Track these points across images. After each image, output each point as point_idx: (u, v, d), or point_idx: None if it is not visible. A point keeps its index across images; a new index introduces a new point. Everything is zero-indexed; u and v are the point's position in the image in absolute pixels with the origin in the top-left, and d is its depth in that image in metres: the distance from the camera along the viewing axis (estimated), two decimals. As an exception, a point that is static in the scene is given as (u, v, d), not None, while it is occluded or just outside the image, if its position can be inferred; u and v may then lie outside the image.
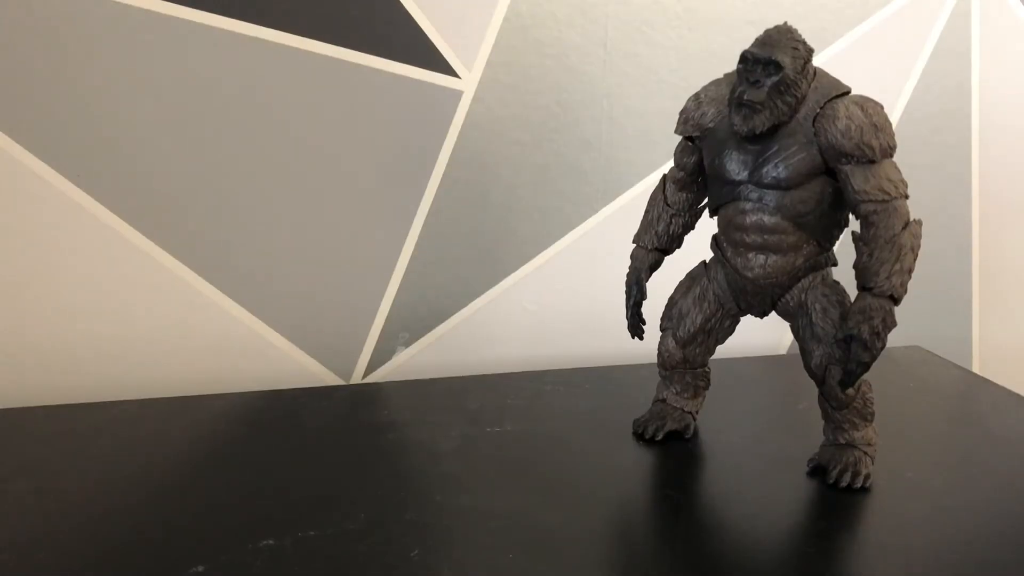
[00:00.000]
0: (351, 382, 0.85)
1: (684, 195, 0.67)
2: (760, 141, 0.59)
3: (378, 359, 0.85)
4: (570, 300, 0.90)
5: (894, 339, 0.60)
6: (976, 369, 1.05)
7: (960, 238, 1.01)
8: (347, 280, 0.82)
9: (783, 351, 0.97)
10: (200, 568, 0.50)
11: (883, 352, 0.58)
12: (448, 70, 0.80)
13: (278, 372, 0.82)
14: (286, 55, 0.75)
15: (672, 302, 0.68)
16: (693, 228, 0.68)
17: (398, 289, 0.84)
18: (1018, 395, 0.81)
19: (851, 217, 0.60)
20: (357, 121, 0.79)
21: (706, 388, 0.71)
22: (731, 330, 0.68)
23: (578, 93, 0.84)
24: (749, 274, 0.62)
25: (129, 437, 0.67)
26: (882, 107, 0.58)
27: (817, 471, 0.64)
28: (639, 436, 0.70)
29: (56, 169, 0.72)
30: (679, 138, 0.66)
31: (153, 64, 0.72)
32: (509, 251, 0.87)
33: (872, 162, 0.57)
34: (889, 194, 0.57)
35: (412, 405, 0.75)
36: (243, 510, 0.57)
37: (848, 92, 0.59)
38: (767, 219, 0.60)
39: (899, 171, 0.58)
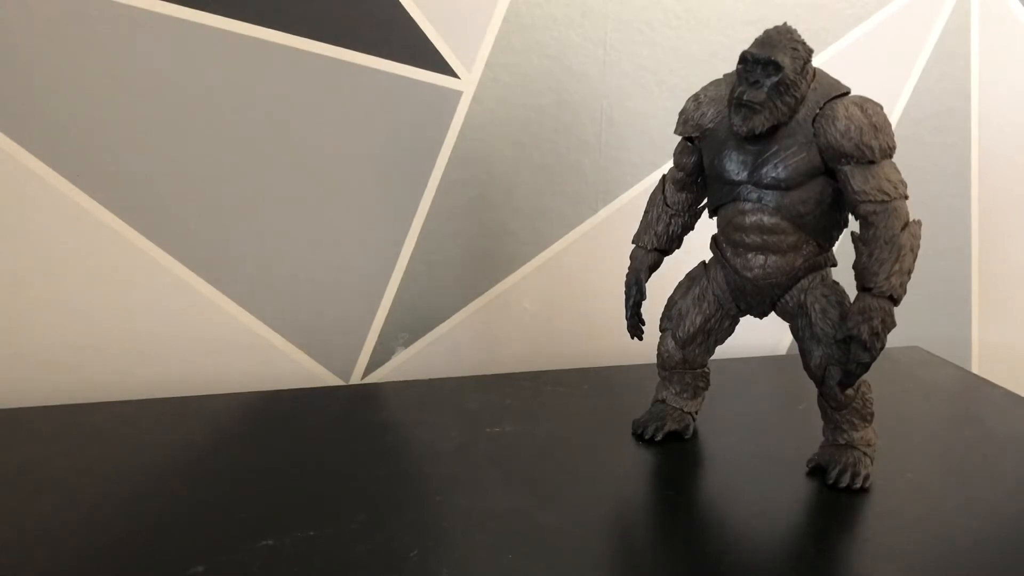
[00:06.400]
0: (351, 382, 0.85)
1: (684, 195, 0.67)
2: (759, 141, 0.59)
3: (378, 359, 0.85)
4: (570, 300, 0.90)
5: (893, 339, 0.60)
6: (975, 369, 1.05)
7: (960, 238, 1.01)
8: (347, 280, 0.82)
9: (782, 351, 0.97)
10: (200, 568, 0.50)
11: (882, 352, 0.58)
12: (448, 70, 0.80)
13: (278, 372, 0.82)
14: (286, 55, 0.75)
15: (672, 302, 0.68)
16: (692, 228, 0.68)
17: (398, 289, 0.84)
18: (1017, 395, 0.81)
19: (851, 217, 0.60)
20: (357, 121, 0.79)
21: (705, 388, 0.71)
22: (730, 330, 0.68)
23: (578, 93, 0.84)
24: (748, 274, 0.62)
25: (129, 437, 0.67)
26: (881, 108, 0.58)
27: (816, 471, 0.65)
28: (639, 436, 0.70)
29: (56, 169, 0.72)
30: (679, 138, 0.66)
31: (153, 64, 0.72)
32: (509, 251, 0.87)
33: (871, 163, 0.57)
34: (888, 195, 0.57)
35: (412, 405, 0.75)
36: (243, 510, 0.57)
37: (848, 93, 0.59)
38: (767, 219, 0.60)
39: (898, 172, 0.58)
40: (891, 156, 0.58)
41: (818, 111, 0.58)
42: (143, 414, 0.71)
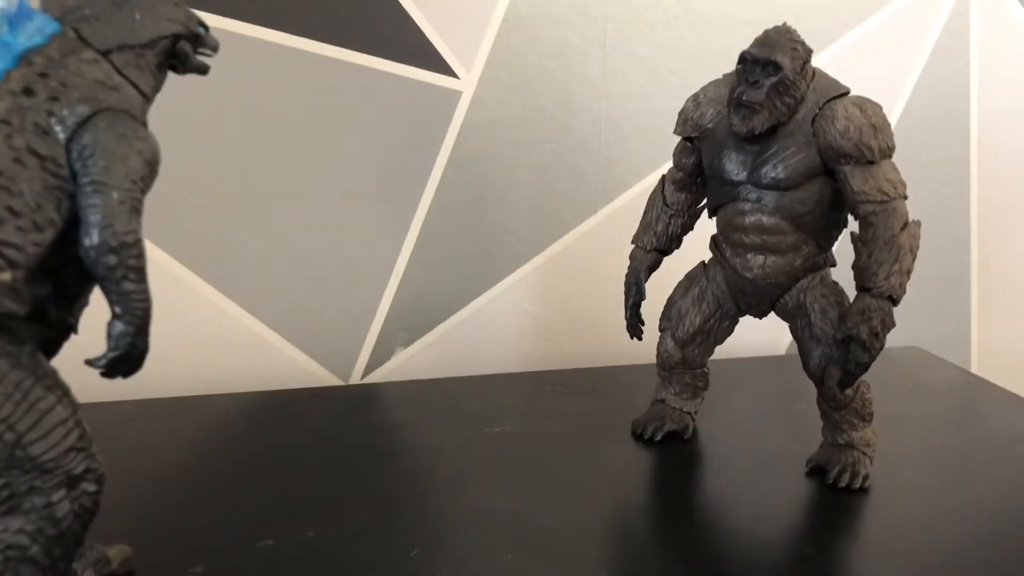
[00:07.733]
0: (350, 382, 0.85)
1: (683, 196, 0.67)
2: (759, 142, 0.59)
3: (377, 359, 0.85)
4: (570, 300, 0.90)
5: (893, 339, 0.60)
6: (974, 369, 1.05)
7: (959, 238, 1.01)
8: (346, 280, 0.82)
9: (782, 352, 0.97)
10: (200, 568, 0.50)
11: (882, 352, 0.58)
12: (447, 70, 0.80)
13: (277, 372, 0.82)
14: (286, 56, 0.75)
15: (671, 302, 0.68)
16: (692, 228, 0.68)
17: (397, 289, 0.84)
18: (1016, 395, 0.81)
19: (850, 217, 0.60)
20: (357, 122, 0.79)
21: (705, 388, 0.71)
22: (730, 330, 0.68)
23: (577, 93, 0.84)
24: (748, 274, 0.62)
25: (129, 437, 0.67)
26: (881, 108, 0.58)
27: (816, 471, 0.65)
28: (638, 436, 0.70)
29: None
30: (678, 138, 0.66)
31: (153, 64, 0.72)
32: (508, 251, 0.87)
33: (871, 163, 0.57)
34: (888, 195, 0.57)
35: (411, 405, 0.75)
36: (243, 510, 0.57)
37: (847, 93, 0.59)
38: (766, 219, 0.60)
39: (898, 172, 0.58)
40: (890, 156, 0.58)
41: (817, 111, 0.58)
42: (143, 414, 0.71)
